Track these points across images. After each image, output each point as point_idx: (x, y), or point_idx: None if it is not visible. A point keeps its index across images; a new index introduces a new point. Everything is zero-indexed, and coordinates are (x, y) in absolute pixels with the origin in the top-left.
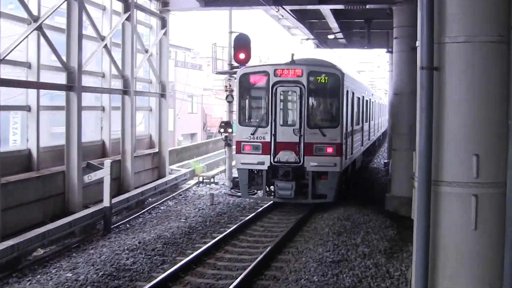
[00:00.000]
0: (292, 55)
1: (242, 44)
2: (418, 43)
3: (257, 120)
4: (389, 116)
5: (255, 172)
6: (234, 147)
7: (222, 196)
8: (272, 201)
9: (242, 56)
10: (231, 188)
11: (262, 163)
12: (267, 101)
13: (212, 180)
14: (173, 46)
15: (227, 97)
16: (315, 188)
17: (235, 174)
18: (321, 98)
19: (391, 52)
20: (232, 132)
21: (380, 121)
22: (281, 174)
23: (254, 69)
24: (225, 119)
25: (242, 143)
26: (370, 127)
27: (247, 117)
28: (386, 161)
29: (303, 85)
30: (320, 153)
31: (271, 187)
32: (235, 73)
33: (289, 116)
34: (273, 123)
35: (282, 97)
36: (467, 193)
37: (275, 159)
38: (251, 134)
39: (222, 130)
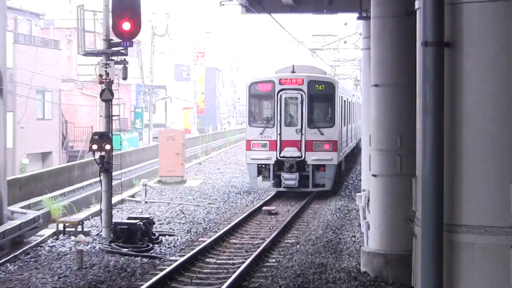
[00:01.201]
0: (293, 66)
1: (126, 7)
2: (418, 4)
3: (265, 122)
4: (364, 121)
5: (263, 166)
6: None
7: (97, 254)
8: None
9: (126, 26)
10: (111, 241)
11: (270, 158)
12: (273, 105)
13: (79, 228)
14: (12, 10)
15: (102, 93)
16: (314, 178)
17: (117, 217)
18: (319, 103)
19: (367, 18)
20: (111, 149)
21: (353, 127)
22: (286, 167)
23: (261, 79)
24: (100, 129)
25: (252, 141)
26: (348, 130)
27: (256, 120)
28: (360, 193)
29: (304, 92)
30: (319, 149)
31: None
32: (114, 54)
33: (292, 118)
34: (278, 124)
35: (286, 102)
36: (502, 243)
37: (281, 155)
38: (260, 133)
39: (95, 147)
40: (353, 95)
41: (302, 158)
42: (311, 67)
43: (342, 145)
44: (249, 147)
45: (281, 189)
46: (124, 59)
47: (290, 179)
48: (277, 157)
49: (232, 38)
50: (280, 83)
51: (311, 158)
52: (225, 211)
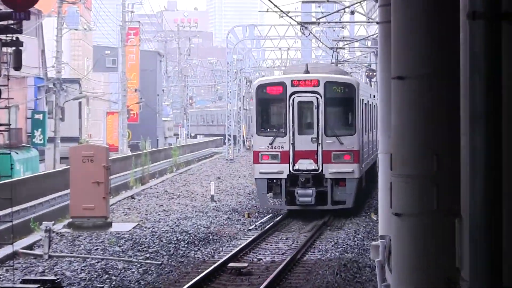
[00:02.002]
0: (307, 65)
1: None
2: None
3: (275, 130)
4: (381, 131)
5: (274, 181)
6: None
7: None
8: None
9: None
10: None
11: (281, 172)
12: (285, 111)
13: None
14: None
15: None
16: (333, 194)
17: (5, 281)
18: (337, 107)
19: None
20: None
21: (375, 134)
22: (301, 181)
23: (270, 80)
24: None
25: (260, 153)
26: (370, 139)
27: (264, 127)
28: (376, 242)
29: (320, 95)
30: (338, 160)
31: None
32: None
33: (307, 125)
34: (291, 132)
35: (299, 107)
36: None
37: (294, 168)
38: (269, 143)
39: None
40: (374, 96)
41: (319, 171)
42: (327, 65)
43: (364, 156)
44: (257, 160)
45: (295, 207)
46: (17, 39)
47: (305, 195)
48: (290, 171)
49: (183, 6)
50: (293, 85)
51: (329, 171)
52: (171, 270)
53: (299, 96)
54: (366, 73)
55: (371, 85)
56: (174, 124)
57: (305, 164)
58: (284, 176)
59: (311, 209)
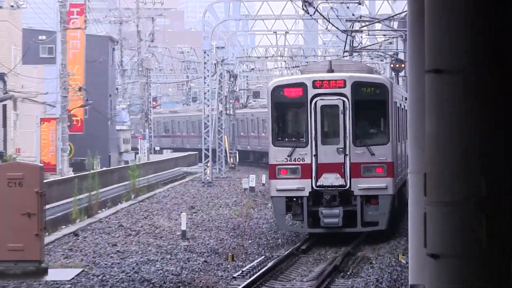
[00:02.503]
0: (330, 62)
1: None
2: None
3: (294, 139)
4: (410, 142)
5: (294, 199)
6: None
7: None
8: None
9: None
10: None
11: (302, 189)
12: (306, 116)
13: None
14: None
15: None
16: (364, 214)
17: None
18: (367, 112)
19: None
20: None
21: (403, 148)
22: (326, 199)
23: (288, 81)
24: None
25: (277, 167)
26: (404, 148)
27: (282, 136)
28: None
29: (347, 97)
30: (369, 174)
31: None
32: None
33: (332, 133)
34: (313, 142)
35: (322, 112)
36: None
37: (318, 183)
38: (288, 155)
39: None
40: (406, 98)
41: (346, 187)
42: (352, 62)
43: (398, 169)
44: (273, 175)
45: (319, 230)
46: None
47: (331, 216)
48: (312, 187)
49: None
50: (315, 86)
51: (359, 186)
52: None
53: (323, 99)
54: (391, 65)
55: (397, 81)
56: (133, 134)
57: (330, 179)
58: (305, 193)
59: (338, 231)
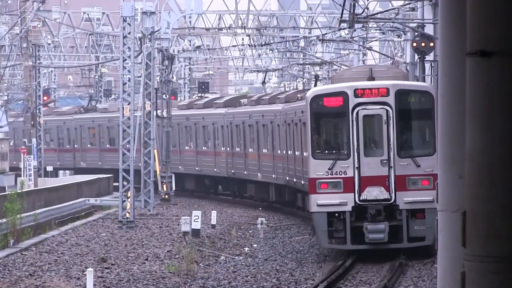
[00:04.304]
0: (371, 69)
1: None
2: None
3: (335, 151)
4: (441, 159)
5: (336, 215)
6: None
7: None
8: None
9: None
10: None
11: (345, 204)
12: (347, 127)
13: None
14: None
15: None
16: (410, 229)
17: None
18: (412, 121)
19: None
20: None
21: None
22: (371, 214)
23: (328, 90)
24: None
25: (318, 181)
26: None
27: (322, 149)
28: None
29: (390, 107)
30: (415, 187)
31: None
32: None
33: (375, 145)
34: (355, 153)
35: (365, 122)
36: None
37: (361, 197)
38: (329, 168)
39: None
40: None
41: (391, 201)
42: (386, 67)
43: None
44: (314, 189)
45: (363, 246)
46: None
47: (376, 231)
48: (355, 201)
49: None
50: (356, 95)
51: (404, 200)
52: None
53: (365, 109)
54: (414, 44)
55: (423, 66)
56: (11, 146)
57: (374, 193)
58: (348, 208)
59: (383, 248)
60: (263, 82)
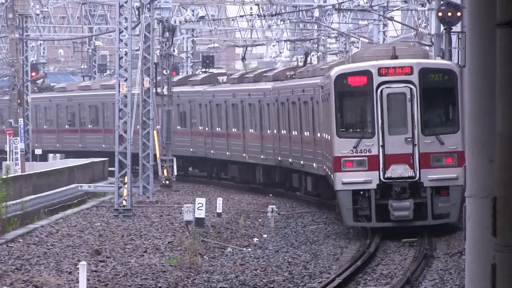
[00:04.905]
0: (394, 48)
1: None
2: None
3: (359, 129)
4: (469, 143)
5: (361, 193)
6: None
7: None
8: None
9: None
10: None
11: (369, 182)
12: (371, 106)
13: None
14: None
15: None
16: (434, 206)
17: None
18: (435, 100)
19: None
20: None
21: None
22: (396, 192)
23: (352, 69)
24: None
25: (342, 159)
26: None
27: (346, 127)
28: None
29: (414, 85)
30: (439, 165)
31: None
32: None
33: (399, 123)
34: (380, 132)
35: (389, 101)
36: None
37: (386, 175)
38: (354, 147)
39: None
40: None
41: (416, 179)
42: (406, 45)
43: None
44: (338, 167)
45: (389, 224)
46: None
47: (401, 208)
48: (380, 179)
49: None
50: (380, 74)
51: (429, 177)
52: None
53: (389, 87)
54: (439, 13)
55: (449, 38)
56: None
57: (399, 171)
58: (373, 186)
59: (408, 225)
60: (243, 58)
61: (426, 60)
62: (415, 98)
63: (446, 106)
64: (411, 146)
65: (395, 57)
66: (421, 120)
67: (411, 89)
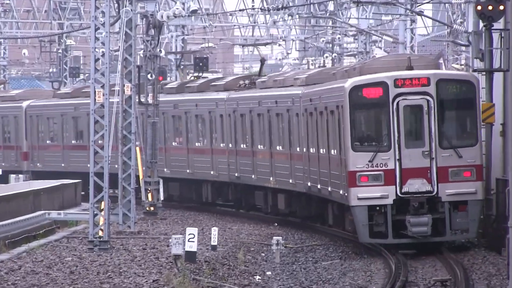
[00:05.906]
0: (409, 58)
1: None
2: None
3: (375, 143)
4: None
5: (376, 208)
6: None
7: None
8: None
9: None
10: None
11: (386, 196)
12: (387, 118)
13: None
14: None
15: None
16: (452, 221)
17: None
18: (453, 111)
19: None
20: None
21: None
22: (413, 207)
23: (367, 80)
24: None
25: (358, 173)
26: None
27: (361, 140)
28: None
29: (431, 97)
30: (457, 179)
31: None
32: None
33: (416, 136)
34: (396, 145)
35: (405, 113)
36: None
37: (403, 190)
38: (369, 161)
39: None
40: None
41: (433, 193)
42: (417, 56)
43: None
44: (354, 182)
45: (406, 240)
46: None
47: (419, 224)
48: (397, 194)
49: None
50: (396, 85)
51: (447, 192)
52: None
53: (405, 99)
54: (479, 6)
55: (490, 36)
56: None
57: (416, 185)
58: (389, 201)
59: (426, 241)
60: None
61: (443, 71)
62: (432, 110)
63: (464, 118)
64: (429, 159)
65: (410, 68)
66: (439, 133)
67: (428, 101)
